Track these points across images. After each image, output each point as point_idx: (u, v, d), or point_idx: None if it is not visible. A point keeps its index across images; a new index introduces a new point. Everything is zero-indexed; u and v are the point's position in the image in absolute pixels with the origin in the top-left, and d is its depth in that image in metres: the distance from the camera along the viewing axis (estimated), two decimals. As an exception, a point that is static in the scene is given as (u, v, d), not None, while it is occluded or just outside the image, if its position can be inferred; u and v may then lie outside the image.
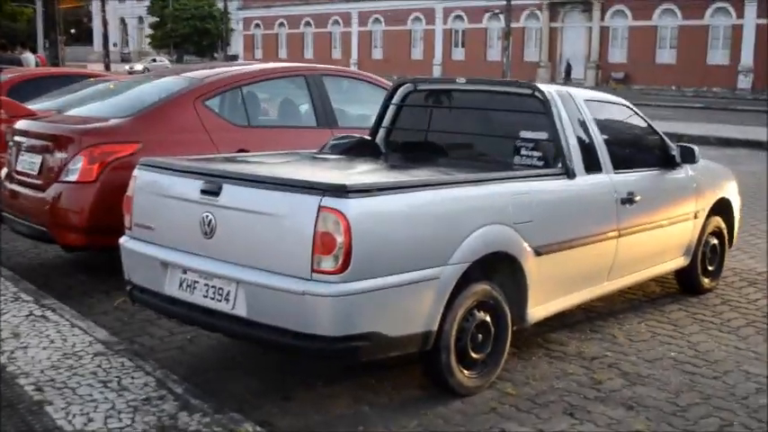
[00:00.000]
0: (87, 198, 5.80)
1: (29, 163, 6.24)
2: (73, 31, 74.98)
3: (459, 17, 57.55)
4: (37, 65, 18.63)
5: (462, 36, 57.74)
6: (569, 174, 4.78)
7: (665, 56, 48.43)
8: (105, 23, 41.60)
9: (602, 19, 50.86)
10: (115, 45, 77.88)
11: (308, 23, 67.55)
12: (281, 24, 69.74)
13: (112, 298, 5.90)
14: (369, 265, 3.64)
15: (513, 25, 48.01)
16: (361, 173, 4.57)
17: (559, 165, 4.80)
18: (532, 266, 4.43)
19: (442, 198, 3.98)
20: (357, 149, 5.33)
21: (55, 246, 6.46)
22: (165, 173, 4.28)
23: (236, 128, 6.41)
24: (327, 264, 3.58)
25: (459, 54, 57.54)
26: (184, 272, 4.11)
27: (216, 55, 74.29)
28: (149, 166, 4.41)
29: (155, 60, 63.44)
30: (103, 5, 42.59)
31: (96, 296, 5.97)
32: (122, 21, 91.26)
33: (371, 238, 3.64)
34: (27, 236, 6.46)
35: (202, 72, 6.84)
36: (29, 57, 18.36)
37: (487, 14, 54.38)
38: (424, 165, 4.92)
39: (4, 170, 6.77)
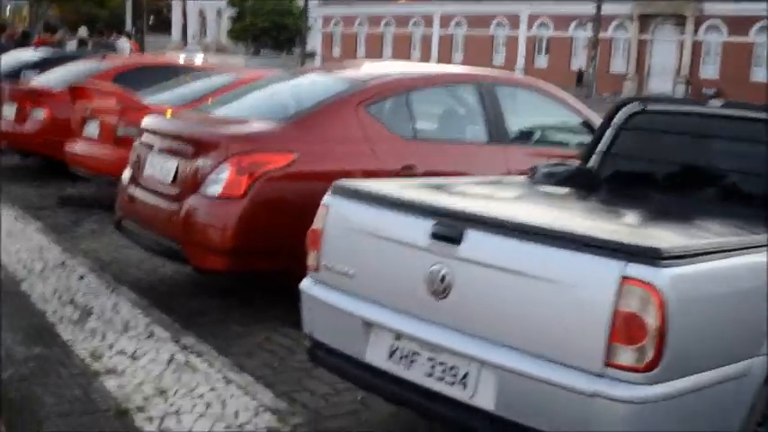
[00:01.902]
0: (233, 215, 4.87)
1: (161, 168, 5.35)
2: (152, 20, 75.19)
3: (544, 24, 56.03)
4: (131, 52, 18.05)
5: (547, 44, 56.20)
6: None
7: (760, 74, 46.26)
8: (185, 14, 41.32)
9: (696, 33, 48.91)
10: (194, 37, 78.03)
11: (388, 23, 66.58)
12: (361, 23, 68.94)
13: (252, 332, 4.99)
14: (682, 360, 2.62)
15: (601, 35, 46.41)
16: (642, 223, 3.51)
17: None
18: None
19: (759, 265, 2.93)
20: (573, 179, 4.30)
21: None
22: (372, 204, 3.31)
23: (402, 140, 5.43)
24: (628, 356, 2.56)
25: (542, 62, 55.97)
26: (398, 338, 3.13)
27: (293, 50, 73.90)
28: (347, 193, 3.44)
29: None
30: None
31: (232, 328, 5.05)
32: (201, 13, 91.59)
33: (689, 323, 2.61)
34: (152, 251, 5.58)
35: (362, 72, 5.90)
36: (124, 43, 17.78)
37: (574, 23, 52.81)
38: (677, 207, 3.86)
39: (127, 172, 5.90)
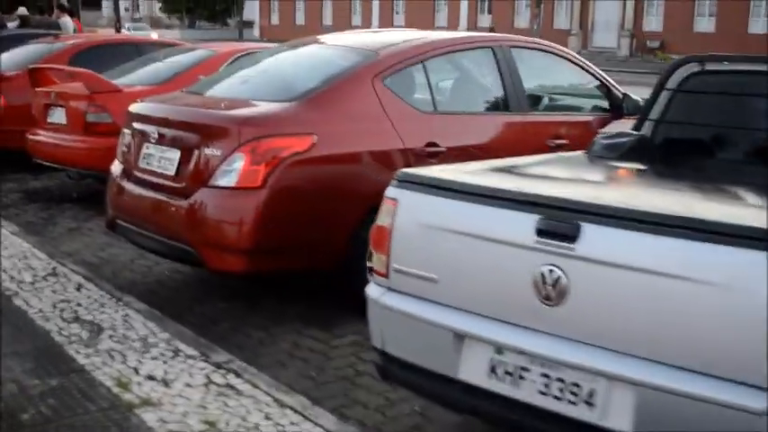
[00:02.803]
0: (251, 209, 4.39)
1: (160, 159, 4.82)
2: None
3: (485, -17, 55.62)
4: (74, 31, 17.10)
5: (489, 3, 55.79)
6: None
7: (704, 24, 46.51)
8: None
9: (638, -15, 48.88)
10: (127, 10, 75.73)
11: (327, -11, 65.38)
12: (299, -10, 67.52)
13: (276, 338, 4.54)
14: None
15: (544, -8, 46.19)
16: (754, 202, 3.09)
17: None
18: None
19: None
20: (634, 151, 3.92)
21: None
22: (453, 196, 2.86)
23: (423, 115, 4.99)
24: (805, 366, 2.19)
25: (485, 21, 55.40)
26: (499, 352, 2.72)
27: (229, 21, 72.18)
28: (419, 183, 2.98)
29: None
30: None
31: (253, 334, 4.59)
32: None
33: None
34: (158, 254, 5.06)
35: (373, 41, 5.40)
36: (67, 21, 16.80)
37: (516, -20, 52.43)
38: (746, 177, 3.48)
39: (116, 165, 5.35)
